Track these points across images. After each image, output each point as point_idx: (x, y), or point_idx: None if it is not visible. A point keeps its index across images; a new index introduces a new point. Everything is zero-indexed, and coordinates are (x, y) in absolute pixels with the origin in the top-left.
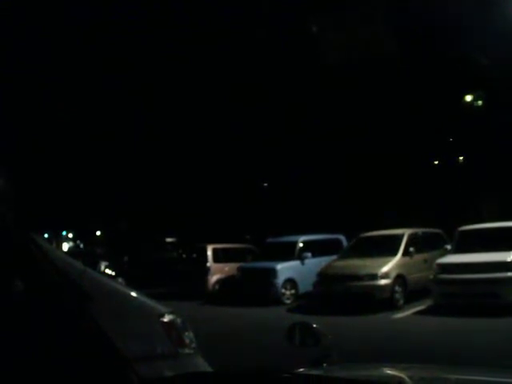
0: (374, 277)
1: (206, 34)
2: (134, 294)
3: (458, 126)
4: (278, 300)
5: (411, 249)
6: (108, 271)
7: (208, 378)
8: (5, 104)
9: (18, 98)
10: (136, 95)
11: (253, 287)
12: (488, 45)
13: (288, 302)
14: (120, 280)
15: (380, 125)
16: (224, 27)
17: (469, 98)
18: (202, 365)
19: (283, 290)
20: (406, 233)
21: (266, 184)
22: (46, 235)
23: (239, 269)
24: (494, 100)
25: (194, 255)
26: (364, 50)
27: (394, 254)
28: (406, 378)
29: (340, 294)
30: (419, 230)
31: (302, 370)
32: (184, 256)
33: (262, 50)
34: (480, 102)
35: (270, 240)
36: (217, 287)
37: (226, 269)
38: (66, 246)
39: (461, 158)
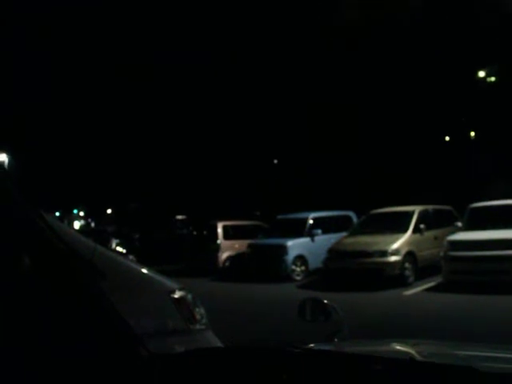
0: (384, 253)
1: (209, 16)
2: (144, 270)
3: (470, 103)
4: (288, 276)
5: (422, 226)
6: (119, 249)
7: (219, 353)
8: (19, 87)
9: (33, 83)
10: (149, 82)
11: (263, 264)
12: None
13: (298, 278)
14: (131, 257)
15: (392, 102)
16: (229, 12)
17: (482, 73)
18: (213, 340)
19: (293, 267)
20: (417, 210)
21: (276, 161)
22: (57, 213)
23: (249, 245)
24: (507, 77)
25: (205, 232)
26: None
27: (405, 230)
28: (417, 354)
29: (350, 271)
30: (430, 207)
31: (312, 345)
32: (194, 233)
33: (271, 30)
34: (493, 79)
35: (280, 217)
36: (227, 264)
37: (237, 246)
38: (77, 224)
39: (472, 134)
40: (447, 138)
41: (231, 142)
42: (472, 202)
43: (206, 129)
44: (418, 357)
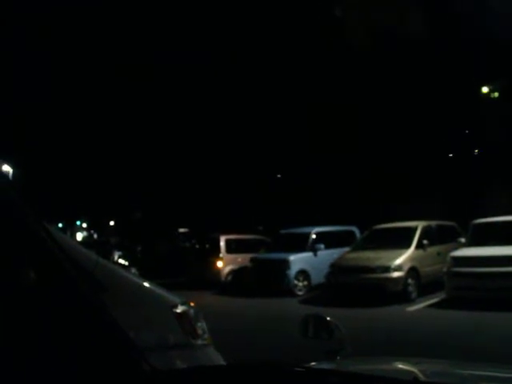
0: (387, 269)
1: (209, 16)
2: (146, 284)
3: (474, 118)
4: (290, 291)
5: (425, 241)
6: (121, 261)
7: (221, 370)
8: (19, 96)
9: (33, 91)
10: (150, 86)
11: (265, 278)
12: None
13: (300, 293)
14: (133, 270)
15: (395, 116)
16: (229, 12)
17: (485, 89)
18: (215, 356)
19: (296, 282)
20: (420, 225)
21: (279, 175)
22: (60, 225)
23: (252, 260)
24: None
25: (207, 246)
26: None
27: (408, 246)
28: (420, 374)
29: (353, 286)
30: (433, 223)
31: (314, 363)
32: (197, 246)
33: (271, 30)
34: (496, 94)
35: (282, 231)
36: (229, 278)
37: (239, 260)
38: (80, 236)
39: (476, 150)
40: (450, 155)
41: (235, 156)
42: (475, 218)
43: (210, 143)
44: (421, 376)
